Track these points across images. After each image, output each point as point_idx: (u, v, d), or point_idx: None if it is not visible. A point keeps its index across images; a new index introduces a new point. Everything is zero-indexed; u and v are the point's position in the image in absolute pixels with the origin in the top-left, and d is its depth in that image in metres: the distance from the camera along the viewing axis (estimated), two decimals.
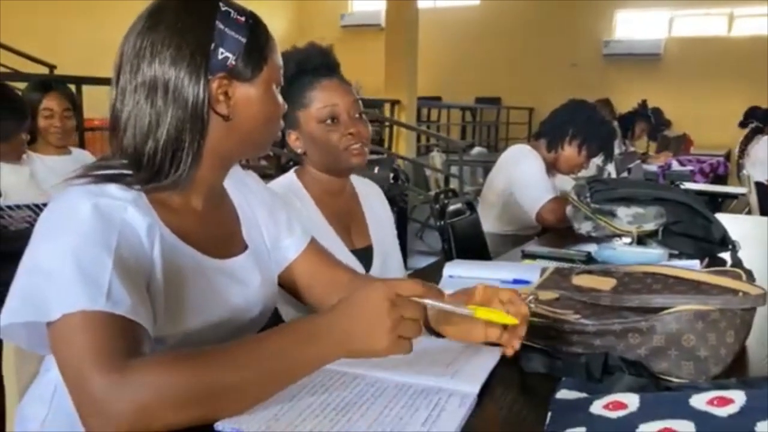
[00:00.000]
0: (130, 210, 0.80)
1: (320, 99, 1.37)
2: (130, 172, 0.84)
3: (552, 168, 2.46)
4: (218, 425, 0.68)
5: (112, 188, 0.82)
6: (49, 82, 2.54)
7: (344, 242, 1.42)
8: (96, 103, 3.99)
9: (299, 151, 1.43)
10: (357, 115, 1.40)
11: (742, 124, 6.31)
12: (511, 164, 2.44)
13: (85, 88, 3.89)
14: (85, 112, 3.88)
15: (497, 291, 0.89)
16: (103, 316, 0.70)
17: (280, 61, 0.94)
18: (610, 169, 3.51)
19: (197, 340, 0.85)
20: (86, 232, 0.75)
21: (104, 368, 0.67)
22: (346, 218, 1.47)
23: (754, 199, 3.95)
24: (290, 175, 1.47)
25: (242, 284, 0.95)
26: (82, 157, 2.62)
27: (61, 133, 2.48)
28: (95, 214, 0.77)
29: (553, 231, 2.23)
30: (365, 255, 1.45)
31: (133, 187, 0.83)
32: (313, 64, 1.39)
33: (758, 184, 3.96)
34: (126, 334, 0.71)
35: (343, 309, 0.76)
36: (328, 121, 1.37)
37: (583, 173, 2.61)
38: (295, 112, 1.39)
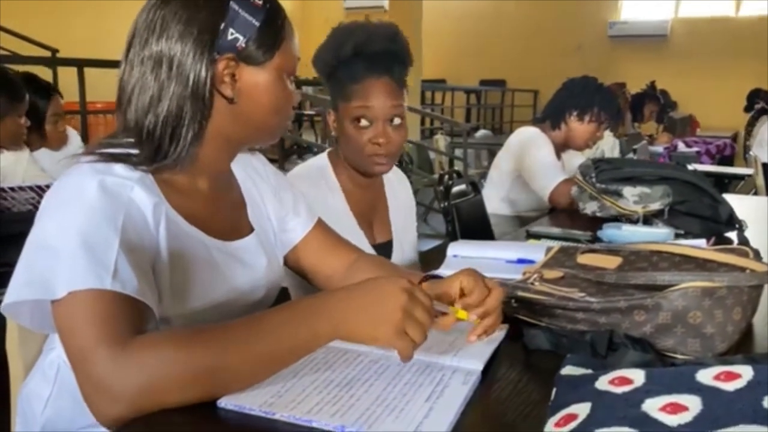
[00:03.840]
0: (136, 189, 0.80)
1: (359, 97, 1.30)
2: (135, 151, 0.84)
3: (564, 148, 2.46)
4: (221, 402, 0.68)
5: (119, 167, 0.81)
6: (47, 88, 2.56)
7: (366, 237, 1.40)
8: (98, 87, 3.98)
9: (334, 133, 1.39)
10: (396, 121, 1.33)
11: (747, 108, 6.26)
12: (522, 147, 2.42)
13: (87, 71, 3.87)
14: (87, 96, 3.87)
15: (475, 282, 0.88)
16: (109, 295, 0.70)
17: (296, 51, 0.92)
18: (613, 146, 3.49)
19: (202, 321, 0.84)
20: (93, 210, 0.75)
21: (109, 346, 0.67)
22: (370, 211, 1.45)
23: (760, 180, 3.92)
24: (322, 158, 1.43)
25: (248, 266, 0.95)
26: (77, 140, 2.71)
27: (65, 135, 2.60)
28: (102, 192, 0.77)
29: (560, 212, 2.23)
30: (385, 250, 1.44)
31: (138, 167, 0.82)
32: (373, 50, 1.31)
33: (765, 165, 3.93)
34: (131, 314, 0.71)
35: (356, 290, 0.76)
36: (362, 122, 1.31)
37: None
38: (337, 97, 1.34)
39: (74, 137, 2.71)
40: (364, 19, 1.39)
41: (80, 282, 0.70)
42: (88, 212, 0.75)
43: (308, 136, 7.30)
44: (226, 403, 0.68)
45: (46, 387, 0.87)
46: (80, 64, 3.83)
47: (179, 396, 0.67)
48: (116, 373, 0.66)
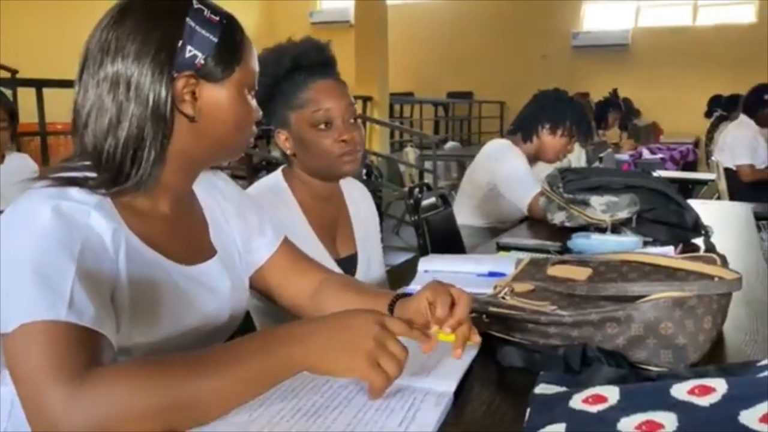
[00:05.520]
0: (93, 214, 0.77)
1: (314, 102, 1.30)
2: (93, 174, 0.80)
3: (535, 160, 2.46)
4: None
5: (74, 192, 0.78)
6: None
7: (329, 251, 1.38)
8: (59, 107, 3.88)
9: (288, 152, 1.37)
10: (351, 120, 1.33)
11: (708, 114, 6.44)
12: (495, 159, 2.42)
13: (47, 91, 3.78)
14: (47, 117, 3.78)
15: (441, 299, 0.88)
16: (64, 326, 0.66)
17: (255, 66, 0.91)
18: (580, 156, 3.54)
19: (165, 350, 0.82)
20: (46, 236, 0.71)
21: (62, 380, 0.63)
22: (332, 225, 1.43)
23: (723, 185, 4.00)
24: (276, 176, 1.41)
25: (211, 290, 0.92)
26: (18, 162, 2.45)
27: None
28: (56, 218, 0.73)
29: (531, 223, 2.23)
30: (349, 264, 1.41)
31: (96, 191, 0.79)
32: (309, 60, 1.32)
33: (727, 170, 4.02)
34: (88, 346, 0.67)
35: (328, 320, 0.76)
36: (322, 126, 1.30)
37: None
38: (287, 111, 1.33)
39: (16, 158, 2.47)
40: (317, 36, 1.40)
41: (33, 313, 0.66)
42: (42, 239, 0.71)
43: (276, 152, 7.25)
44: None
45: None
46: (39, 84, 3.75)
47: (138, 430, 0.63)
48: (69, 408, 0.62)
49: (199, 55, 0.83)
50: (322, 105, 1.30)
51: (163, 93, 0.81)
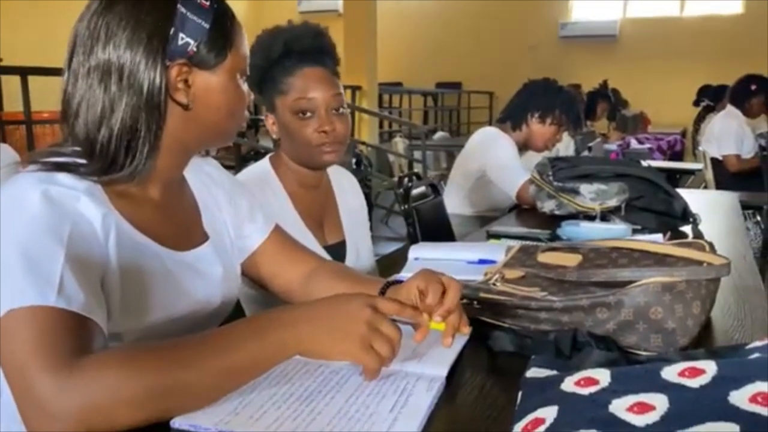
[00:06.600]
0: (83, 199, 0.76)
1: (297, 89, 1.29)
2: (83, 161, 0.79)
3: (524, 149, 2.48)
4: (174, 423, 0.65)
5: (63, 177, 0.77)
6: None
7: (317, 238, 1.37)
8: (44, 95, 3.83)
9: (275, 136, 1.37)
10: (336, 110, 1.32)
11: (696, 103, 6.48)
12: (485, 147, 2.43)
13: (32, 79, 3.73)
14: (32, 105, 3.73)
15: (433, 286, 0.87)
16: (53, 312, 0.66)
17: (246, 50, 0.90)
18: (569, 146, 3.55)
19: (156, 336, 0.81)
20: (35, 221, 0.71)
21: (52, 367, 0.62)
22: (320, 213, 1.43)
23: (710, 174, 4.04)
24: (264, 164, 1.40)
25: (203, 276, 0.92)
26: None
27: None
28: (45, 203, 0.72)
29: (520, 211, 2.24)
30: (338, 251, 1.41)
31: (87, 177, 0.78)
32: (302, 46, 1.31)
33: (713, 160, 4.05)
34: (78, 332, 0.67)
35: (320, 304, 0.76)
36: (303, 114, 1.30)
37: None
38: (274, 96, 1.32)
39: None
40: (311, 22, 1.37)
41: (21, 298, 0.66)
42: (30, 224, 0.70)
43: (265, 142, 7.21)
44: (180, 423, 0.65)
45: None
46: (24, 72, 3.69)
47: (130, 417, 0.63)
48: (60, 394, 0.61)
49: (192, 42, 0.82)
50: (305, 93, 1.29)
51: (158, 82, 0.80)
